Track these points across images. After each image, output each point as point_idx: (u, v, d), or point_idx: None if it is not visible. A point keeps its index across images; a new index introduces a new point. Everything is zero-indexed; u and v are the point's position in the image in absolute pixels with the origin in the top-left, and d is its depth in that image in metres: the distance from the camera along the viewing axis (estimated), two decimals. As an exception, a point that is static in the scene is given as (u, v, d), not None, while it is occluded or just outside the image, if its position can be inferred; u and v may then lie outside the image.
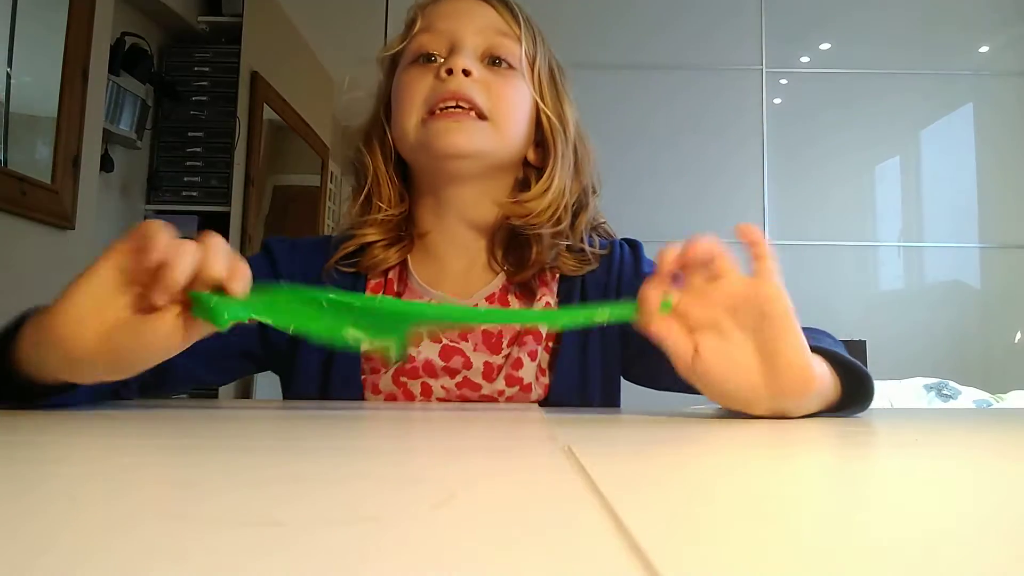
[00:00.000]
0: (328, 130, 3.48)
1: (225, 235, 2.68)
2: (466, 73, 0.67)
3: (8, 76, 1.67)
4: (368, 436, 0.44)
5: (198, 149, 2.74)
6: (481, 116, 0.67)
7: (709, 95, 2.68)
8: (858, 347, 2.33)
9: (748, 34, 2.71)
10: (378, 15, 2.75)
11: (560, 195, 0.70)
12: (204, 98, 2.76)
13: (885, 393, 1.75)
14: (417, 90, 0.68)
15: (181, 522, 0.18)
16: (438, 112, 0.66)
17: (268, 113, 2.93)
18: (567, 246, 0.72)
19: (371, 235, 0.71)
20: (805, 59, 2.74)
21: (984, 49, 2.73)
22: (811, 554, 0.16)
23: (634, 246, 0.77)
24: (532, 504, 0.22)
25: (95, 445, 0.37)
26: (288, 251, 0.74)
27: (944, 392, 1.76)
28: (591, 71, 2.58)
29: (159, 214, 2.74)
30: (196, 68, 2.77)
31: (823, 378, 0.51)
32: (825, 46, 2.75)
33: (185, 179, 2.74)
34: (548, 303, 0.71)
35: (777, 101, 2.71)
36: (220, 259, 0.44)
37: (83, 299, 0.44)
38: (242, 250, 2.72)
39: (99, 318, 0.44)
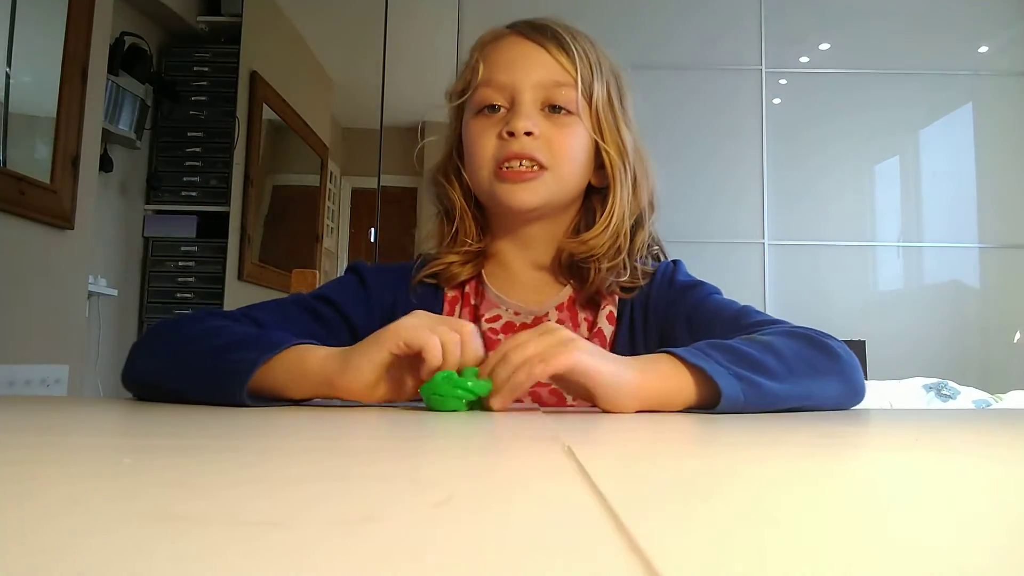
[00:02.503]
0: (327, 130, 3.47)
1: (224, 235, 2.69)
2: (527, 133, 0.73)
3: (7, 76, 1.67)
4: (368, 436, 0.44)
5: (197, 149, 2.74)
6: (543, 167, 0.74)
7: (709, 95, 2.69)
8: (858, 347, 2.33)
9: (748, 34, 2.71)
10: (378, 15, 2.75)
11: (620, 224, 0.77)
12: (203, 98, 2.76)
13: (885, 393, 1.75)
14: (485, 146, 0.76)
15: (181, 522, 0.18)
16: (505, 169, 0.74)
17: (267, 113, 2.92)
18: (624, 270, 0.78)
19: (453, 259, 0.81)
20: (805, 59, 2.74)
21: (983, 49, 2.74)
22: (811, 553, 0.16)
23: (674, 262, 0.83)
24: (532, 504, 0.22)
25: (95, 445, 0.36)
26: (376, 272, 0.83)
27: (943, 392, 1.76)
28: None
29: (159, 214, 2.74)
30: (195, 68, 2.76)
31: (647, 389, 0.58)
32: (825, 46, 2.75)
33: (184, 179, 2.73)
34: (611, 312, 0.78)
35: (777, 101, 2.71)
36: (468, 352, 0.59)
37: (366, 371, 0.60)
38: (242, 250, 2.72)
39: (371, 378, 0.60)
